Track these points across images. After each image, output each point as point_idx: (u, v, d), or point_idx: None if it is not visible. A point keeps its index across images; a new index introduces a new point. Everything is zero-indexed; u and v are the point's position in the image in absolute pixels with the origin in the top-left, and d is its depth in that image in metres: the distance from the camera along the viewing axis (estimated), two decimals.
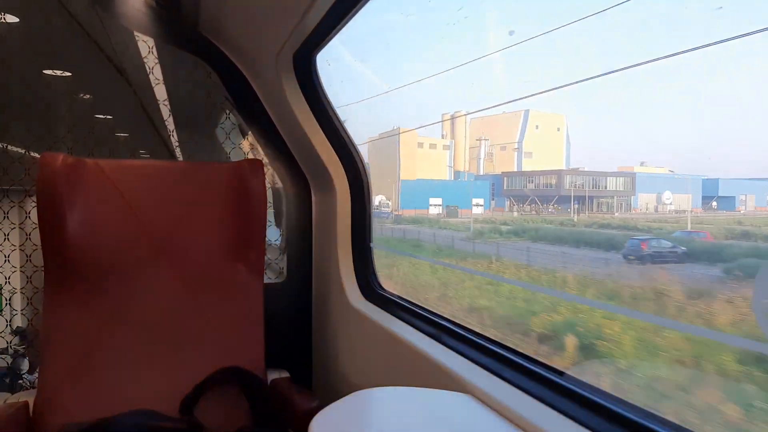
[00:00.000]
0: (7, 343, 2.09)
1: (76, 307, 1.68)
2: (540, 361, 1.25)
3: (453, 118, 9.77)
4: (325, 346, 2.19)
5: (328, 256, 2.14)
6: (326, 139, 1.99)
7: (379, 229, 7.85)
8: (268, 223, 1.97)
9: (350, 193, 2.07)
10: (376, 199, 8.42)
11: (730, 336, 2.09)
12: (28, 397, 1.65)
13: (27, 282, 2.06)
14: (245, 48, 2.01)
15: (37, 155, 2.07)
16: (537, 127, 8.27)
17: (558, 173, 6.30)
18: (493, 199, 7.62)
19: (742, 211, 3.64)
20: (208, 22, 2.03)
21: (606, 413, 1.02)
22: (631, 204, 5.02)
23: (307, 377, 2.30)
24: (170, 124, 2.38)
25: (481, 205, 7.70)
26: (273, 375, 1.89)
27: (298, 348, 2.29)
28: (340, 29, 1.58)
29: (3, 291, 2.07)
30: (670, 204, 4.42)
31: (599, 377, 1.94)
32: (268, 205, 2.02)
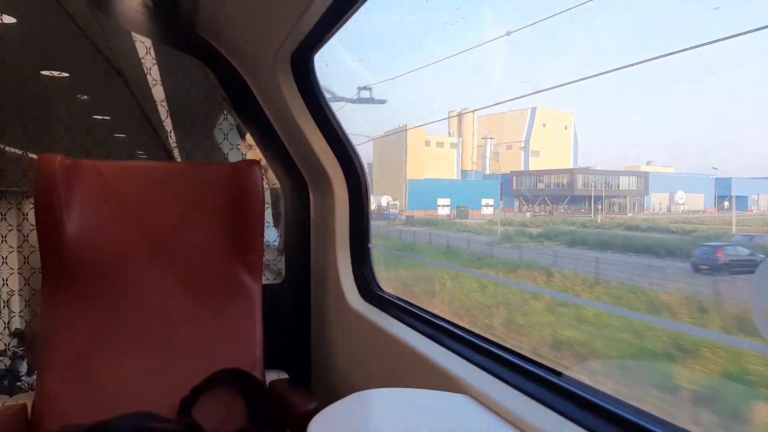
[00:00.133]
0: (5, 345, 2.09)
1: (74, 308, 1.67)
2: (538, 361, 1.25)
3: (460, 115, 9.48)
4: (324, 346, 2.19)
5: (327, 256, 2.14)
6: (324, 140, 1.99)
7: (388, 232, 7.48)
8: (266, 224, 1.97)
9: (348, 193, 2.07)
10: (383, 200, 8.30)
11: None
12: (26, 399, 1.64)
13: (25, 284, 2.05)
14: (243, 48, 2.00)
15: (34, 156, 2.06)
16: (544, 125, 8.02)
17: (570, 172, 6.05)
18: (501, 200, 7.32)
19: (754, 211, 3.57)
20: (206, 22, 2.02)
21: (604, 414, 1.02)
22: (644, 204, 4.84)
23: (306, 378, 2.30)
24: (168, 125, 2.37)
25: (491, 206, 7.41)
26: (271, 376, 1.89)
27: (296, 349, 2.29)
28: (338, 30, 1.58)
29: (1, 293, 2.07)
30: (683, 204, 4.27)
31: None
32: (266, 205, 2.01)
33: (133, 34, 2.16)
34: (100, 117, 2.39)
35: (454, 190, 8.73)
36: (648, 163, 4.98)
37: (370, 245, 2.08)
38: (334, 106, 1.97)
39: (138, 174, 1.86)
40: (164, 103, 2.31)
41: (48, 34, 2.28)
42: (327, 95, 1.94)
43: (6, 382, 2.11)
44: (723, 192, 3.84)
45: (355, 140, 2.05)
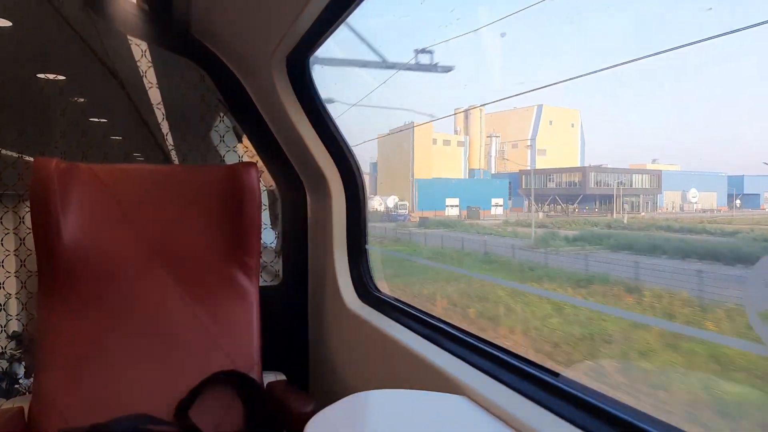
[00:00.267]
0: (3, 348, 2.08)
1: (70, 311, 1.67)
2: (535, 362, 1.25)
3: (467, 111, 9.10)
4: (322, 348, 2.19)
5: (324, 258, 2.14)
6: (320, 141, 1.99)
7: (401, 235, 7.14)
8: (263, 226, 1.97)
9: (345, 195, 2.07)
10: (389, 201, 8.05)
11: None
12: (23, 402, 1.64)
13: (22, 287, 2.05)
14: (238, 51, 2.01)
15: (30, 159, 2.06)
16: (551, 122, 7.69)
17: (582, 170, 5.81)
18: (509, 199, 7.09)
19: (767, 209, 3.50)
20: (201, 25, 2.02)
21: (601, 415, 1.02)
22: (656, 202, 4.68)
23: (304, 380, 2.30)
24: (164, 128, 2.37)
25: (500, 205, 7.10)
26: (269, 378, 1.89)
27: (294, 350, 2.29)
28: (333, 31, 1.58)
29: None
30: (696, 202, 4.14)
31: None
32: (263, 207, 2.01)
33: (129, 36, 2.16)
34: (96, 119, 2.38)
35: (461, 189, 8.37)
36: (653, 161, 4.87)
37: (367, 246, 2.08)
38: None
39: (134, 176, 1.86)
40: (160, 106, 2.31)
41: (43, 37, 2.28)
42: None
43: (3, 385, 2.11)
44: (732, 190, 3.78)
45: (360, 139, 2.04)
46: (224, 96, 2.16)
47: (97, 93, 2.41)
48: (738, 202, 3.73)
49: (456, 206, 7.60)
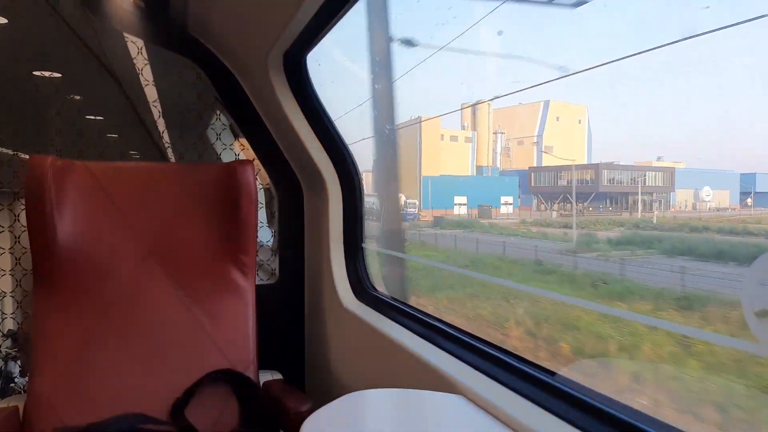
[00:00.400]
0: None
1: (65, 310, 1.67)
2: (531, 361, 1.25)
3: (474, 106, 8.71)
4: (318, 347, 2.19)
5: (321, 256, 2.13)
6: (317, 140, 1.99)
7: (416, 236, 6.46)
8: (260, 224, 1.97)
9: (342, 193, 2.06)
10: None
11: None
12: (18, 401, 1.64)
13: (17, 285, 2.04)
14: (235, 49, 2.00)
15: (26, 157, 2.06)
16: (557, 118, 7.49)
17: (595, 168, 5.57)
18: (518, 197, 6.86)
19: None
20: (197, 23, 2.02)
21: (597, 414, 1.02)
22: (670, 201, 4.52)
23: (300, 378, 2.29)
24: (161, 125, 2.36)
25: (510, 204, 6.80)
26: (265, 377, 1.89)
27: (290, 349, 2.29)
28: (330, 29, 1.58)
29: None
30: (710, 200, 4.00)
31: None
32: (260, 205, 2.01)
33: (125, 34, 2.15)
34: (92, 117, 2.38)
35: (468, 187, 7.99)
36: (658, 158, 4.77)
37: (364, 245, 2.08)
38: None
39: (130, 174, 1.86)
40: (157, 104, 2.30)
41: (39, 35, 2.27)
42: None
43: None
44: (744, 188, 3.69)
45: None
46: (221, 94, 2.16)
47: (93, 91, 2.40)
48: (749, 200, 3.67)
49: (464, 204, 7.26)
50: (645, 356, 2.28)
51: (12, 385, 2.10)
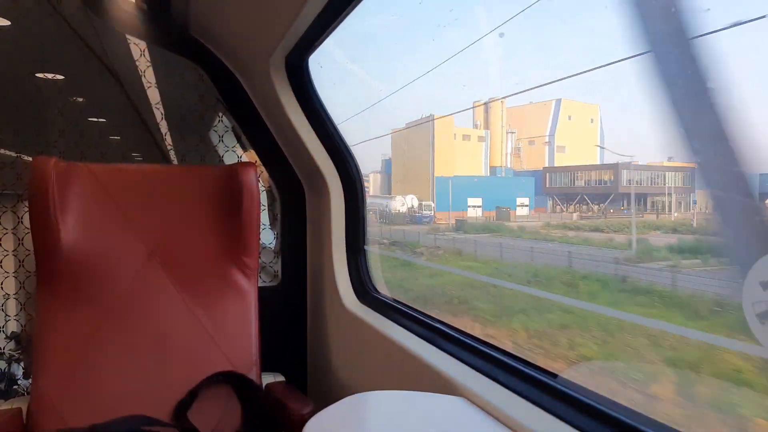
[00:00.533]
0: (1, 348, 2.08)
1: (68, 312, 1.67)
2: (533, 363, 1.25)
3: (486, 105, 8.37)
4: (321, 349, 2.19)
5: (323, 258, 2.14)
6: (319, 142, 1.99)
7: (444, 242, 6.02)
8: (262, 226, 1.97)
9: (344, 195, 2.06)
10: (407, 199, 7.47)
11: None
12: (21, 403, 1.64)
13: (20, 287, 2.05)
14: (237, 51, 2.00)
15: (29, 159, 2.06)
16: (569, 118, 7.26)
17: (614, 168, 5.37)
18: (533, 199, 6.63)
19: None
20: (200, 24, 2.02)
21: (599, 416, 1.02)
22: (690, 202, 4.33)
23: (303, 380, 2.29)
24: (163, 127, 2.37)
25: (525, 205, 6.54)
26: (268, 379, 1.89)
27: (293, 351, 2.29)
28: (332, 32, 1.58)
29: None
30: None
31: None
32: (262, 207, 2.01)
33: (127, 36, 2.16)
34: (95, 119, 2.38)
35: (483, 188, 7.57)
36: (669, 158, 4.70)
37: (366, 247, 2.08)
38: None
39: (133, 176, 1.86)
40: (159, 105, 2.30)
41: (42, 37, 2.27)
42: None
43: (2, 386, 2.10)
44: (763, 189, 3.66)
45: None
46: (223, 96, 2.16)
47: (95, 92, 2.41)
48: None
49: (479, 206, 6.93)
50: None
51: (15, 387, 2.11)
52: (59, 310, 1.67)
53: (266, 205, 2.30)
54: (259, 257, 1.94)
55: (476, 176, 7.96)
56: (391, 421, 1.14)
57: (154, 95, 2.30)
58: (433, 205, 7.48)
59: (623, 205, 4.98)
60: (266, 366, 1.87)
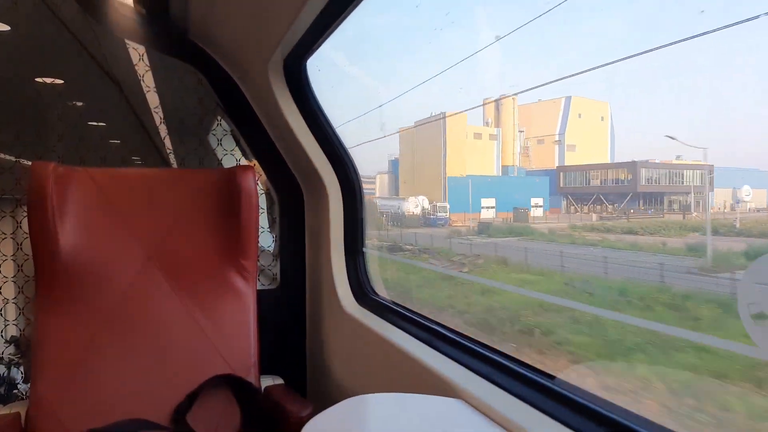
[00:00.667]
0: (1, 353, 2.08)
1: (67, 316, 1.67)
2: (532, 365, 1.25)
3: (498, 101, 8.00)
4: (320, 351, 2.19)
5: (322, 261, 2.14)
6: (317, 145, 2.00)
7: (496, 251, 5.34)
8: (260, 229, 1.97)
9: (342, 198, 2.07)
10: (419, 201, 7.25)
11: None
12: (20, 407, 1.64)
13: (19, 292, 2.05)
14: (235, 54, 2.01)
15: (28, 163, 2.06)
16: (580, 115, 6.97)
17: (632, 166, 5.20)
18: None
19: None
20: (198, 28, 2.03)
21: (597, 417, 1.02)
22: (708, 201, 4.14)
23: (302, 383, 2.29)
24: (162, 131, 2.37)
25: (540, 206, 6.25)
26: (267, 382, 1.89)
27: (292, 354, 2.29)
28: (329, 36, 1.59)
29: None
30: (750, 200, 3.69)
31: None
32: (261, 210, 2.01)
33: (126, 40, 2.16)
34: (94, 123, 2.39)
35: (495, 188, 7.28)
36: (677, 157, 4.58)
37: (365, 249, 2.08)
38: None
39: (131, 180, 1.86)
40: (158, 109, 2.31)
41: (41, 42, 2.28)
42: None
43: (2, 390, 2.10)
44: None
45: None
46: (221, 99, 2.17)
47: (95, 97, 2.42)
48: None
49: (492, 207, 6.60)
50: None
51: (15, 391, 2.11)
52: (58, 315, 1.67)
53: (265, 208, 2.30)
54: (258, 260, 1.94)
55: (489, 176, 7.58)
56: (390, 423, 1.14)
57: (153, 99, 2.30)
58: (447, 206, 7.16)
59: (640, 205, 4.79)
60: (265, 369, 1.87)
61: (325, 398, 2.10)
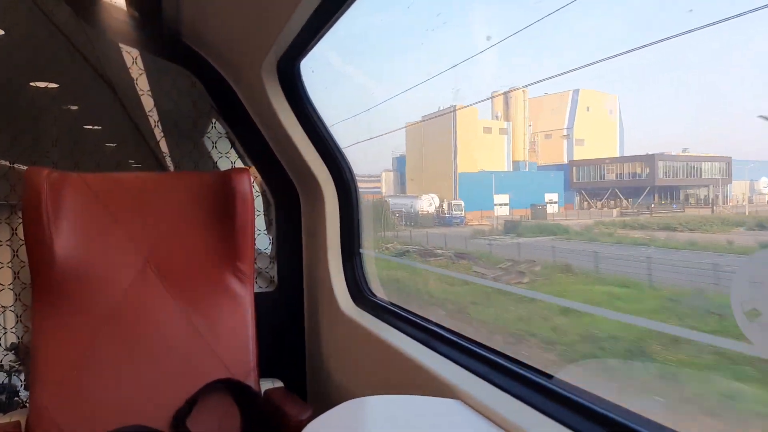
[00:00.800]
0: (0, 361, 2.08)
1: (64, 322, 1.67)
2: (529, 365, 1.25)
3: (506, 94, 7.72)
4: (319, 354, 2.19)
5: (319, 263, 2.13)
6: (312, 146, 1.99)
7: (555, 258, 4.47)
8: (257, 232, 1.96)
9: (338, 199, 2.06)
10: (429, 199, 6.99)
11: None
12: (20, 416, 1.64)
13: (16, 299, 2.04)
14: (229, 57, 2.00)
15: (23, 167, 2.06)
16: (588, 109, 6.77)
17: (649, 160, 4.95)
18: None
19: None
20: (191, 31, 2.02)
21: (596, 417, 1.01)
22: (727, 194, 4.07)
23: (302, 385, 2.29)
24: (157, 134, 2.37)
25: (555, 202, 6.04)
26: (266, 385, 1.88)
27: (291, 357, 2.28)
28: (322, 37, 1.58)
29: None
30: None
31: None
32: (257, 213, 2.00)
33: (120, 44, 2.16)
34: (90, 127, 2.38)
35: (508, 184, 6.94)
36: (684, 150, 4.56)
37: (362, 250, 2.07)
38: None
39: (126, 185, 1.86)
40: (153, 113, 2.30)
41: (35, 46, 2.28)
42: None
43: (3, 398, 2.10)
44: None
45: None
46: (216, 102, 2.16)
47: (89, 101, 2.41)
48: None
49: (506, 204, 6.36)
50: None
51: (16, 398, 2.11)
52: (55, 321, 1.66)
53: (261, 210, 2.29)
54: (255, 263, 1.93)
55: (502, 171, 7.27)
56: (389, 425, 1.14)
57: (147, 102, 2.29)
58: (462, 204, 6.86)
59: (655, 199, 4.62)
60: (264, 372, 1.87)
61: (324, 400, 2.10)
